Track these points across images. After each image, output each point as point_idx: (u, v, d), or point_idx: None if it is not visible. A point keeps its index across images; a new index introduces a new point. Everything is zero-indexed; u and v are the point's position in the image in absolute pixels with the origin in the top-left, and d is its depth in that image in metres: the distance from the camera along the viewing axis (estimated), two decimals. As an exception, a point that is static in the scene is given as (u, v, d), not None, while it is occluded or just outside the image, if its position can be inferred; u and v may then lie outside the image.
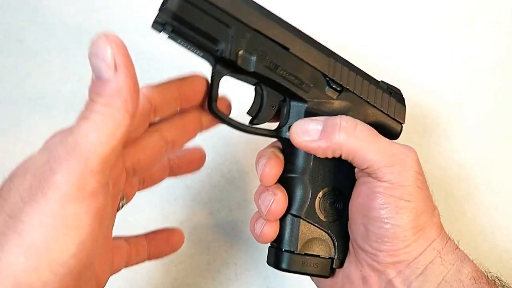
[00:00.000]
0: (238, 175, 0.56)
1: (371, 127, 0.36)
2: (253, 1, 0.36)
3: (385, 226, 0.35)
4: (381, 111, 0.40)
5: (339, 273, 0.39)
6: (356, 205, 0.37)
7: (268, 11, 0.37)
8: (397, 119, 0.41)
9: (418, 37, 0.61)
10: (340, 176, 0.38)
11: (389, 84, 0.42)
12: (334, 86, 0.38)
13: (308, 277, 0.53)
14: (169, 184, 0.56)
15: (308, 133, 0.36)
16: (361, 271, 0.37)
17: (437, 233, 0.36)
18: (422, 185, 0.36)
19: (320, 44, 0.39)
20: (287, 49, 0.37)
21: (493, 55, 0.61)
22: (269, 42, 0.36)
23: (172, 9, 0.32)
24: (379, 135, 0.36)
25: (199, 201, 0.55)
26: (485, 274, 0.36)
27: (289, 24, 0.37)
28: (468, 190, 0.56)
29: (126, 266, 0.37)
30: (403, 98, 0.42)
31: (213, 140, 0.57)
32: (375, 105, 0.40)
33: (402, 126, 0.41)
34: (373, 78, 0.41)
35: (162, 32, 0.34)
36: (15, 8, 0.61)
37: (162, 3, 0.32)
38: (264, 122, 0.39)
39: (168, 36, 0.34)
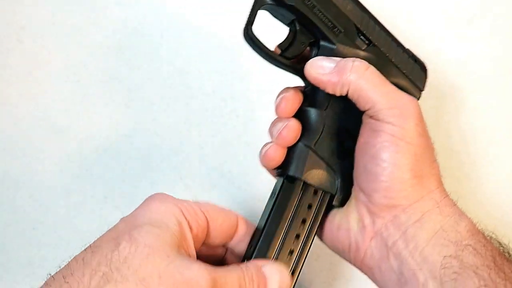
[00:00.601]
0: (238, 175, 0.56)
1: (379, 72, 0.38)
2: None
3: (382, 165, 0.35)
4: (403, 73, 0.41)
5: (337, 214, 0.40)
6: (358, 145, 0.38)
7: None
8: (417, 85, 0.42)
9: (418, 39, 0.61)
10: (353, 119, 0.39)
11: (415, 54, 0.43)
12: (363, 38, 0.40)
13: (308, 277, 0.54)
14: (169, 184, 0.56)
15: (322, 67, 0.38)
16: (358, 214, 0.38)
17: (435, 185, 0.37)
18: (423, 133, 0.37)
19: (359, 1, 0.41)
20: None
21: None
22: None
23: None
24: (387, 81, 0.38)
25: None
26: (481, 231, 0.37)
27: None
28: (469, 189, 0.56)
29: None
30: (426, 69, 0.43)
31: (213, 140, 0.57)
32: (398, 66, 0.41)
33: (421, 93, 0.42)
34: (401, 43, 0.42)
35: None
36: (15, 8, 0.61)
37: None
38: (292, 58, 0.40)
39: None
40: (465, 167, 0.57)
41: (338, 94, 0.38)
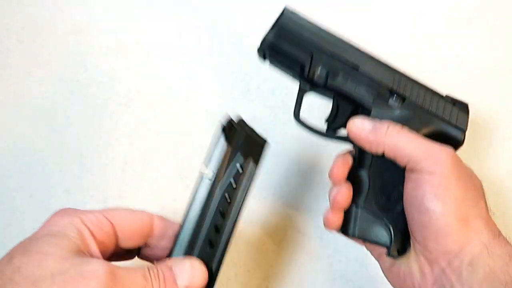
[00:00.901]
0: (238, 175, 0.56)
1: (412, 131, 0.42)
2: (327, 30, 0.45)
3: (428, 214, 0.38)
4: (443, 119, 0.45)
5: (401, 264, 0.42)
6: (405, 198, 0.41)
7: (339, 36, 0.45)
8: (459, 127, 0.45)
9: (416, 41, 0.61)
10: (395, 173, 0.42)
11: (454, 98, 0.46)
12: (397, 96, 0.44)
13: (308, 278, 0.54)
14: (169, 184, 0.56)
15: (362, 126, 0.43)
16: (417, 262, 0.40)
17: (483, 225, 0.38)
18: (461, 176, 0.39)
19: (385, 62, 0.46)
20: (356, 67, 0.45)
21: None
22: (341, 63, 0.45)
23: (269, 39, 0.44)
24: (418, 135, 0.42)
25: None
26: None
27: (357, 46, 0.46)
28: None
29: None
30: (468, 108, 0.46)
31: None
32: (437, 113, 0.45)
33: (465, 134, 0.45)
34: (435, 91, 0.46)
35: (263, 59, 0.46)
36: (15, 8, 0.61)
37: (263, 37, 0.45)
38: (338, 128, 0.46)
39: (269, 62, 0.46)
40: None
41: (375, 152, 0.42)
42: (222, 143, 0.39)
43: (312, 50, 0.45)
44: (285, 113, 0.58)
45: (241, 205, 0.39)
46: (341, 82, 0.45)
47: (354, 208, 0.43)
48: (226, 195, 0.39)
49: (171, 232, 0.39)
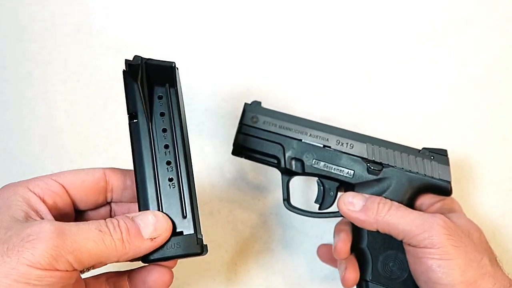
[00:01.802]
0: (238, 175, 0.56)
1: (403, 206, 0.43)
2: (290, 115, 0.48)
3: (436, 287, 0.39)
4: (426, 176, 0.46)
5: None
6: (411, 272, 0.42)
7: (303, 119, 0.48)
8: (443, 179, 0.46)
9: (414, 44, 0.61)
10: (395, 243, 0.44)
11: (432, 149, 0.47)
12: (374, 166, 0.46)
13: (309, 278, 0.54)
14: (169, 184, 0.56)
15: (352, 204, 0.44)
16: None
17: (491, 283, 0.39)
18: (457, 243, 0.39)
19: (354, 132, 0.48)
20: (328, 146, 0.47)
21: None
22: (311, 146, 0.47)
23: (239, 143, 0.47)
24: (409, 209, 0.42)
25: (199, 201, 0.55)
26: None
27: (324, 124, 0.48)
28: (468, 190, 0.56)
29: None
30: (447, 158, 0.47)
31: (214, 140, 0.57)
32: (418, 172, 0.46)
33: (450, 184, 0.46)
34: (412, 148, 0.47)
35: (240, 157, 0.49)
36: (15, 8, 0.61)
37: (234, 139, 0.48)
38: (329, 207, 0.48)
39: (245, 157, 0.48)
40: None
41: (369, 229, 0.43)
42: (131, 85, 0.37)
43: (281, 142, 0.47)
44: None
45: (181, 130, 0.38)
46: (317, 165, 0.47)
47: (364, 284, 0.45)
48: (162, 129, 0.38)
49: (130, 181, 0.38)
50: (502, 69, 0.60)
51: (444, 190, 0.46)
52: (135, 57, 0.37)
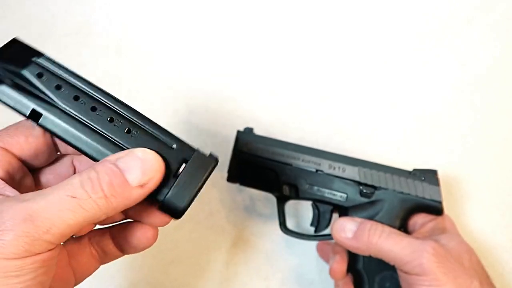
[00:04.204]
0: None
1: (395, 230, 0.43)
2: (282, 141, 0.49)
3: None
4: (417, 197, 0.47)
5: None
6: None
7: (295, 144, 0.48)
8: (434, 199, 0.47)
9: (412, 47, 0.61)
10: (389, 265, 0.43)
11: (422, 170, 0.48)
12: (366, 189, 0.47)
13: (309, 278, 0.54)
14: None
15: (344, 231, 0.44)
16: None
17: None
18: (447, 269, 0.40)
19: (346, 156, 0.48)
20: (321, 171, 0.47)
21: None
22: (304, 170, 0.48)
23: (233, 170, 0.48)
24: (400, 235, 0.43)
25: (199, 201, 0.55)
26: None
27: (316, 149, 0.48)
28: (468, 190, 0.56)
29: (102, 263, 0.35)
30: (437, 178, 0.48)
31: (214, 140, 0.57)
32: (410, 193, 0.47)
33: (441, 204, 0.47)
34: (403, 170, 0.48)
35: (235, 183, 0.49)
36: (15, 8, 0.61)
37: (228, 167, 0.48)
38: (325, 229, 0.48)
39: (240, 184, 0.49)
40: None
41: (362, 255, 0.44)
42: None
43: (274, 168, 0.48)
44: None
45: (85, 81, 0.34)
46: (310, 190, 0.47)
47: None
48: (73, 97, 0.33)
49: None
50: (494, 88, 0.60)
51: (435, 210, 0.47)
52: None
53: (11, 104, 0.32)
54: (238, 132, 0.49)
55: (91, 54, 0.59)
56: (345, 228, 0.44)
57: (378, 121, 0.58)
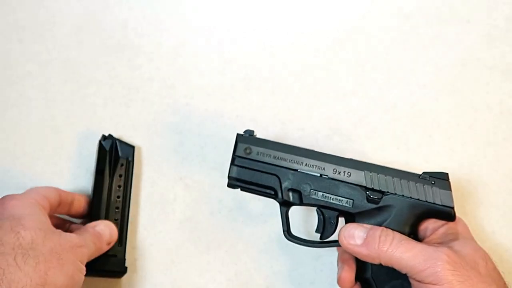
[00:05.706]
0: (238, 175, 0.56)
1: (406, 237, 0.41)
2: (284, 144, 0.47)
3: None
4: (428, 202, 0.44)
5: None
6: None
7: (298, 147, 0.47)
8: (446, 205, 0.44)
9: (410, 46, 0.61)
10: (399, 274, 0.42)
11: (432, 173, 0.46)
12: (373, 194, 0.45)
13: (309, 278, 0.54)
14: (169, 184, 0.56)
15: (353, 238, 0.43)
16: None
17: None
18: (463, 277, 0.38)
19: (352, 160, 0.46)
20: (325, 175, 0.45)
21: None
22: (308, 175, 0.46)
23: (233, 176, 0.46)
24: (412, 242, 0.41)
25: (199, 201, 0.55)
26: None
27: (320, 152, 0.46)
28: (468, 190, 0.56)
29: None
30: (449, 182, 0.45)
31: (214, 139, 0.57)
32: (420, 199, 0.44)
33: (453, 209, 0.44)
34: (412, 173, 0.45)
35: (236, 189, 0.48)
36: (15, 8, 0.61)
37: (228, 172, 0.47)
38: (330, 236, 0.46)
39: (241, 189, 0.48)
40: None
41: (372, 263, 0.42)
42: (104, 152, 0.55)
43: (276, 173, 0.46)
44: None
45: (130, 189, 0.54)
46: (314, 196, 0.45)
47: None
48: (118, 185, 0.54)
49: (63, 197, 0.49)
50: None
51: (447, 215, 0.44)
52: (109, 135, 0.54)
53: (100, 159, 0.55)
54: (238, 135, 0.47)
55: (91, 54, 0.59)
56: (354, 235, 0.43)
57: (378, 121, 0.58)
